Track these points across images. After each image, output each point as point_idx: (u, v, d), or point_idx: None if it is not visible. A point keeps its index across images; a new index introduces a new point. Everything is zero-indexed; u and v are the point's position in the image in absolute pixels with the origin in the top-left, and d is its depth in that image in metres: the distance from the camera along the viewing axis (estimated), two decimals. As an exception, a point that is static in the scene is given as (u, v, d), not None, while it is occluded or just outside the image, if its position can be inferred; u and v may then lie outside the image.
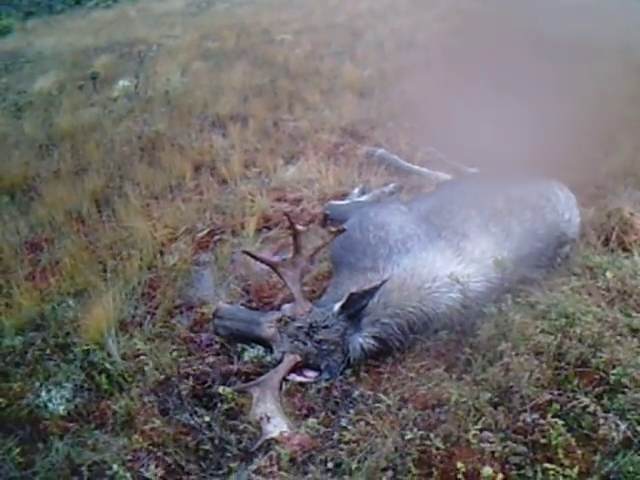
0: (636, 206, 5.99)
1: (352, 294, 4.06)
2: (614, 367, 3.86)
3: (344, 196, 6.41)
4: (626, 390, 3.70)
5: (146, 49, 14.17)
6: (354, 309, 4.11)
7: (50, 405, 4.32)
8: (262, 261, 4.72)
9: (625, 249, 5.49)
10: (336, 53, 12.69)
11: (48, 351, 4.79)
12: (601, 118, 7.33)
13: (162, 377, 4.34)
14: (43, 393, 4.41)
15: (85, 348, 4.66)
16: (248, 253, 4.79)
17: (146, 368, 4.41)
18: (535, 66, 8.91)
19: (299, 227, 4.49)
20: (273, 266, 4.51)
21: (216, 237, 6.02)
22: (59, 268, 5.70)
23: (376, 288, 4.08)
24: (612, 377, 3.81)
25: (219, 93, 10.11)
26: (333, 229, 4.66)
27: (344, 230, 4.70)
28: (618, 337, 4.19)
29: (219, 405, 4.04)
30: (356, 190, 6.47)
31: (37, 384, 4.49)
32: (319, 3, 19.18)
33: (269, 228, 6.10)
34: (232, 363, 4.44)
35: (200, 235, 6.06)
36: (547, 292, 4.74)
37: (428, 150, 7.55)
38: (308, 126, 8.48)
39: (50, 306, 5.25)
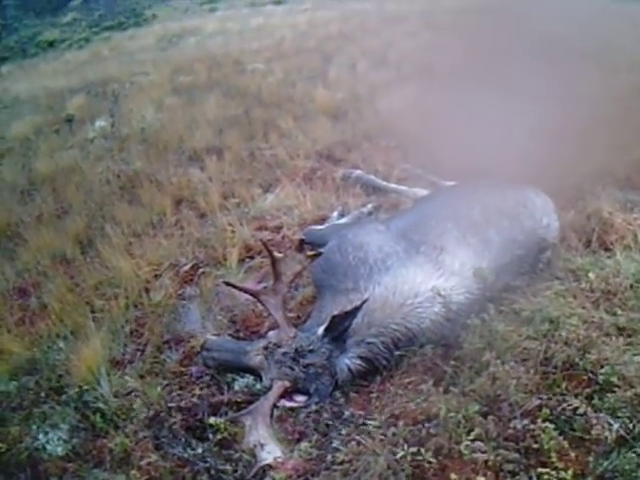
0: (615, 205, 6.08)
1: (334, 316, 4.09)
2: (602, 367, 3.89)
3: (324, 220, 6.45)
4: (616, 389, 3.72)
5: (119, 87, 14.24)
6: (338, 331, 4.13)
7: (48, 447, 4.37)
8: (244, 291, 4.80)
9: (607, 249, 5.55)
10: (308, 78, 12.75)
11: (43, 394, 4.84)
12: (578, 119, 7.40)
13: (153, 412, 4.37)
14: (41, 435, 4.46)
15: (78, 389, 4.69)
16: (229, 284, 4.84)
17: (136, 405, 4.45)
18: (510, 73, 8.99)
19: (277, 255, 4.54)
20: (255, 295, 4.56)
21: (200, 270, 6.04)
22: (48, 312, 5.73)
23: (357, 308, 4.11)
24: (601, 377, 3.84)
25: (194, 127, 10.13)
26: (310, 253, 4.73)
27: (321, 254, 4.78)
28: (605, 337, 4.23)
29: (212, 436, 4.06)
30: (335, 213, 6.52)
31: (34, 427, 4.54)
32: (289, 29, 19.27)
33: (252, 257, 6.13)
34: (222, 394, 4.47)
35: (184, 270, 6.08)
36: (531, 298, 4.76)
37: (405, 167, 7.62)
38: (284, 153, 8.51)
39: (41, 350, 5.30)
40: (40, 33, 30.14)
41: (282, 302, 4.49)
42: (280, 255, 4.63)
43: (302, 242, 4.81)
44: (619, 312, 4.55)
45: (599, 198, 6.16)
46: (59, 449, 4.35)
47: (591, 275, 5.04)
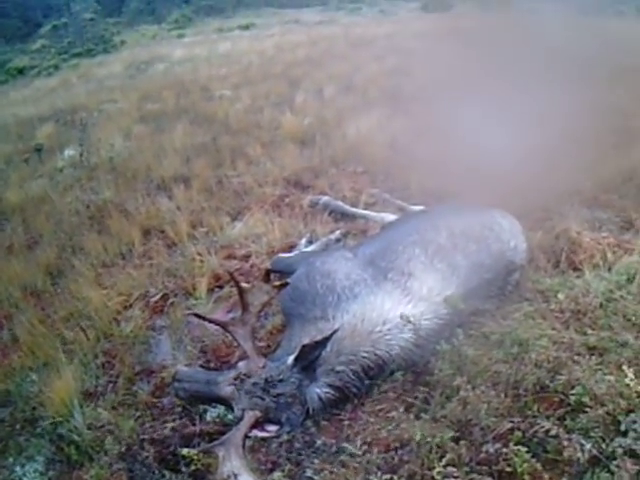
0: (583, 224, 6.17)
1: (304, 346, 4.08)
2: (573, 387, 3.91)
3: (292, 248, 6.48)
4: (588, 409, 3.74)
5: (88, 116, 14.23)
6: (307, 360, 4.13)
7: (25, 479, 4.38)
8: (212, 322, 4.80)
9: (576, 269, 5.61)
10: (275, 104, 12.84)
11: (18, 426, 4.84)
12: (545, 138, 7.48)
13: (127, 444, 4.37)
14: (17, 468, 4.47)
15: (52, 421, 4.70)
16: (198, 315, 4.84)
17: (110, 437, 4.43)
18: (477, 94, 9.07)
19: (244, 285, 4.57)
20: (223, 326, 4.57)
21: (169, 301, 6.03)
22: (20, 344, 5.71)
23: (327, 339, 4.12)
24: (572, 397, 3.86)
25: (162, 155, 10.13)
26: (277, 283, 4.74)
27: (287, 284, 4.79)
28: (575, 357, 4.26)
29: (185, 468, 4.06)
30: (303, 240, 6.55)
31: (10, 460, 4.55)
32: (256, 55, 19.39)
33: (221, 287, 6.12)
34: (195, 424, 4.46)
35: (153, 300, 6.07)
36: (500, 321, 4.81)
37: (372, 192, 7.68)
38: (252, 181, 8.54)
39: (14, 382, 5.28)
40: (10, 60, 30.13)
41: (251, 332, 4.50)
42: (247, 286, 4.66)
43: (268, 273, 4.79)
44: (589, 332, 4.60)
45: (567, 218, 6.25)
46: (35, 482, 4.36)
47: (560, 296, 5.09)
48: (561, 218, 6.32)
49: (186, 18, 35.08)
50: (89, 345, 5.52)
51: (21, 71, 28.10)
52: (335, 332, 4.18)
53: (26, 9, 38.38)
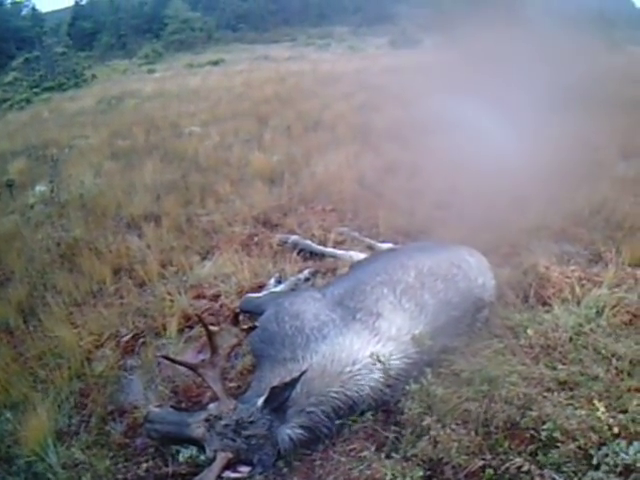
0: (551, 259, 6.26)
1: (273, 388, 4.11)
2: (544, 423, 3.96)
3: (261, 288, 6.51)
4: (559, 444, 3.80)
5: (59, 152, 14.30)
6: (277, 402, 4.15)
7: (1, 519, 4.37)
8: (181, 365, 4.83)
9: (545, 303, 5.68)
10: (244, 141, 13.01)
11: (-7, 464, 4.84)
12: (511, 173, 7.59)
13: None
14: (-7, 507, 4.45)
15: (27, 460, 4.72)
16: (167, 358, 4.89)
17: (85, 478, 4.46)
18: (446, 133, 9.21)
19: (212, 328, 4.63)
20: (193, 368, 4.58)
21: (140, 340, 6.04)
22: (-7, 382, 5.72)
23: (296, 380, 4.14)
24: (544, 433, 3.91)
25: (132, 192, 10.19)
26: (245, 327, 4.77)
27: (256, 327, 4.85)
28: (546, 392, 4.32)
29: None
30: (272, 280, 6.59)
31: None
32: (224, 92, 19.50)
33: (191, 327, 6.14)
34: (167, 465, 4.48)
35: (124, 340, 6.07)
36: (470, 358, 4.85)
37: (341, 230, 7.76)
38: (221, 219, 8.61)
39: (-11, 420, 5.29)
40: (-18, 92, 30.09)
41: (220, 374, 4.52)
42: (216, 329, 4.71)
43: (237, 315, 4.81)
44: (559, 366, 4.69)
45: (535, 252, 6.37)
46: (13, 520, 4.37)
47: (529, 331, 5.17)
48: (529, 253, 6.44)
49: (156, 53, 35.16)
50: (62, 384, 5.51)
51: (-7, 103, 28.14)
52: (303, 373, 4.21)
53: (-1, 41, 38.42)
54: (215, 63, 29.00)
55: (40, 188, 11.54)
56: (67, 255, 8.17)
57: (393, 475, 3.83)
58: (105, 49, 37.91)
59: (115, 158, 13.22)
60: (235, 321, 4.71)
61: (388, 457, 4.12)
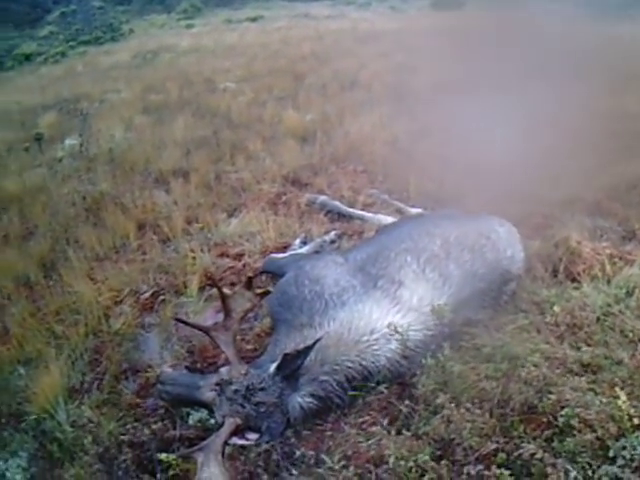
0: (584, 233, 5.98)
1: (286, 355, 4.02)
2: (562, 408, 3.77)
3: (285, 248, 6.42)
4: (575, 432, 3.61)
5: (90, 105, 14.22)
6: (289, 369, 4.06)
7: (7, 474, 4.38)
8: (193, 327, 4.77)
9: (574, 279, 5.43)
10: (278, 99, 12.80)
11: (3, 420, 4.84)
12: (547, 144, 7.37)
13: (105, 447, 4.34)
14: (0, 462, 4.46)
15: (37, 417, 4.70)
16: (179, 320, 4.87)
17: (89, 438, 4.41)
18: (482, 96, 9.00)
19: (226, 291, 4.53)
20: (205, 331, 4.51)
21: (160, 298, 5.98)
22: (9, 336, 5.69)
23: (309, 348, 4.04)
24: (561, 419, 3.72)
25: (162, 148, 10.11)
26: (259, 291, 4.67)
27: (269, 292, 4.76)
28: (567, 374, 4.14)
29: (163, 473, 4.02)
30: (297, 241, 6.50)
31: None
32: (261, 49, 19.31)
33: (212, 285, 5.97)
34: (175, 428, 4.43)
35: (144, 297, 6.02)
36: (493, 333, 4.66)
37: (371, 192, 7.60)
38: (250, 177, 8.48)
39: (2, 375, 5.27)
40: (17, 46, 30.05)
41: (233, 338, 4.45)
42: (229, 292, 4.62)
43: (250, 279, 4.66)
44: (584, 347, 4.46)
45: (567, 225, 6.09)
46: (18, 477, 4.36)
47: (556, 308, 4.95)
48: (561, 225, 6.17)
49: (195, 8, 34.95)
50: (77, 340, 5.47)
51: (28, 57, 28.05)
52: (317, 342, 4.10)
53: (35, -5, 38.37)
54: (254, 19, 28.81)
55: (69, 142, 11.48)
56: (92, 209, 8.14)
57: (398, 455, 3.70)
58: (144, 3, 37.67)
59: (147, 113, 13.11)
60: (249, 285, 4.60)
61: (399, 433, 3.99)
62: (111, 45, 27.43)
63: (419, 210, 6.88)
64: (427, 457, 3.62)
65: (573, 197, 6.86)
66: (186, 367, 4.93)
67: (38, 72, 23.46)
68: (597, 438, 3.57)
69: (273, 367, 4.13)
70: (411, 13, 28.51)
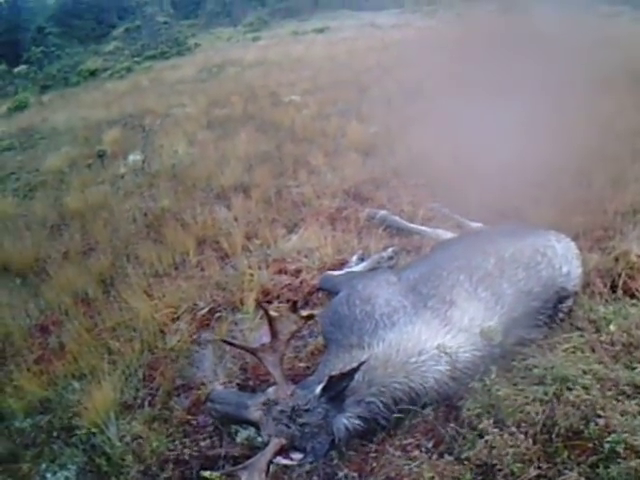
0: (646, 247, 5.77)
1: (331, 377, 4.01)
2: (609, 434, 3.65)
3: (343, 264, 6.39)
4: (620, 460, 3.50)
5: (153, 121, 14.41)
6: (335, 391, 4.06)
7: (56, 487, 4.45)
8: (241, 348, 4.84)
9: (633, 295, 5.23)
10: (342, 111, 12.79)
11: (54, 434, 4.97)
12: (607, 152, 7.24)
13: (147, 464, 4.41)
14: (49, 475, 4.61)
15: (87, 431, 4.79)
16: (227, 342, 4.95)
17: (132, 455, 4.52)
18: (547, 108, 8.88)
19: (273, 313, 4.52)
20: (252, 352, 4.53)
21: (216, 314, 6.01)
22: (65, 351, 5.81)
23: (354, 370, 4.01)
24: (606, 445, 3.60)
25: (224, 163, 10.14)
26: (304, 314, 4.64)
27: (313, 316, 4.75)
28: (619, 396, 4.00)
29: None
30: (354, 257, 6.45)
31: (44, 466, 4.69)
32: (327, 61, 19.39)
33: (269, 302, 6.02)
34: (222, 446, 4.47)
35: (201, 313, 6.06)
36: (547, 353, 4.55)
37: (432, 206, 7.52)
38: (311, 191, 8.46)
39: (56, 390, 5.39)
40: (82, 62, 30.69)
41: (280, 359, 4.46)
42: (276, 314, 4.60)
43: (295, 303, 4.64)
44: (639, 368, 4.30)
45: (628, 238, 5.87)
46: (66, 490, 4.43)
47: (612, 326, 4.77)
48: (622, 238, 5.97)
49: (262, 21, 35.29)
50: (133, 357, 5.55)
51: (93, 73, 28.60)
52: (362, 364, 4.07)
53: (100, 11, 39.06)
54: (320, 31, 28.94)
55: (133, 158, 11.67)
56: (153, 226, 8.25)
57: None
58: (210, 17, 38.18)
59: (210, 127, 13.23)
60: (294, 308, 4.58)
61: (441, 456, 3.96)
62: (177, 59, 27.86)
63: (479, 224, 6.77)
64: (468, 478, 3.59)
65: (636, 207, 6.63)
66: (238, 385, 4.98)
67: (103, 87, 23.88)
68: (641, 466, 3.46)
69: (319, 389, 4.12)
70: (478, 19, 28.40)
